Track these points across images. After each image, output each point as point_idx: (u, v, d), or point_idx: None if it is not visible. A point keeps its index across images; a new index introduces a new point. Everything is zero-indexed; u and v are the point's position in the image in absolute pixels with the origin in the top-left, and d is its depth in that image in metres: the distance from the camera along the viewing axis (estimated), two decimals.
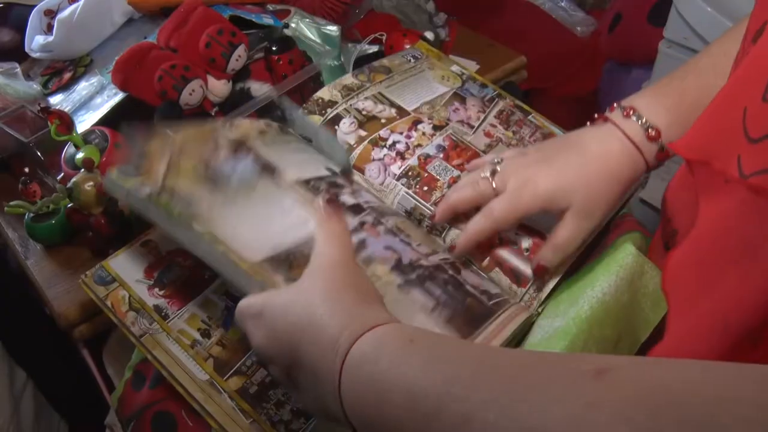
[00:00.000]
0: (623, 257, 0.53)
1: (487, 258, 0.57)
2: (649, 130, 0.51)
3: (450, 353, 0.33)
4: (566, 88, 1.52)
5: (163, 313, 0.55)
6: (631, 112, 0.52)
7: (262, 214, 0.50)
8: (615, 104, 0.54)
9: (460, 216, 0.57)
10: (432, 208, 0.59)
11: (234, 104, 0.76)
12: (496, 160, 0.55)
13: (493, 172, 0.54)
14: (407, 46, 0.84)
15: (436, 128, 0.66)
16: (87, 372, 0.78)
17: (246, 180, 0.52)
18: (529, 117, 0.71)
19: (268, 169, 0.54)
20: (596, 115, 0.55)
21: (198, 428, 0.55)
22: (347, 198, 0.56)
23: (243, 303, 0.43)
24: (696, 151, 0.43)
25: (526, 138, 0.68)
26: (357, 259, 0.48)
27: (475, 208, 0.55)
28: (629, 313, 0.52)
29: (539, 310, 0.55)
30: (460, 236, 0.55)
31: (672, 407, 0.24)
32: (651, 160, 0.52)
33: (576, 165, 0.51)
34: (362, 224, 0.53)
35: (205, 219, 0.48)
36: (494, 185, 0.53)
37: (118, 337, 0.76)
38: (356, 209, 0.55)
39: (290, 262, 0.47)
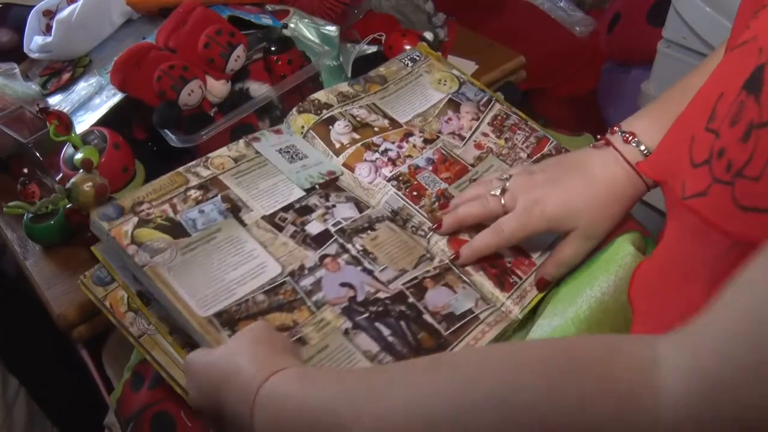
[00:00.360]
0: (622, 257, 0.54)
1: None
2: (648, 156, 0.54)
3: (330, 382, 0.39)
4: (565, 88, 1.52)
5: (145, 300, 0.55)
6: (630, 138, 0.54)
7: (222, 262, 0.53)
8: (616, 128, 0.56)
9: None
10: (420, 212, 0.61)
11: (233, 104, 0.76)
12: (504, 177, 0.57)
13: (503, 191, 0.56)
14: (407, 47, 0.84)
15: (427, 141, 0.68)
16: (85, 373, 0.78)
17: (211, 223, 0.55)
18: (526, 122, 0.71)
19: (234, 209, 0.57)
20: (598, 137, 0.58)
21: (197, 429, 0.56)
22: (314, 226, 0.57)
23: (188, 358, 0.46)
24: (656, 172, 0.48)
25: (519, 145, 0.69)
26: (308, 303, 0.52)
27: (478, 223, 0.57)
28: (628, 314, 0.52)
29: (520, 316, 0.55)
30: (461, 247, 0.57)
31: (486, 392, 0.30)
32: (650, 183, 0.54)
33: (582, 188, 0.54)
34: (323, 259, 0.55)
35: (167, 268, 0.51)
36: (503, 203, 0.55)
37: (118, 338, 0.76)
38: (321, 239, 0.56)
39: (240, 314, 0.50)
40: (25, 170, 0.79)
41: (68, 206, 0.68)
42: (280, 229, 0.56)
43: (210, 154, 0.62)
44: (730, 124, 0.35)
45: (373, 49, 0.92)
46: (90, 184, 0.66)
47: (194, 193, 0.57)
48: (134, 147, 0.76)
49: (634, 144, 0.54)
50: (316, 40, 0.85)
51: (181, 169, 0.60)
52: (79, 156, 0.68)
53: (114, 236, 0.52)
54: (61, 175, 0.73)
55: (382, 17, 1.01)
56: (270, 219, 0.57)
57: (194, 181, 0.58)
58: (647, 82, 1.20)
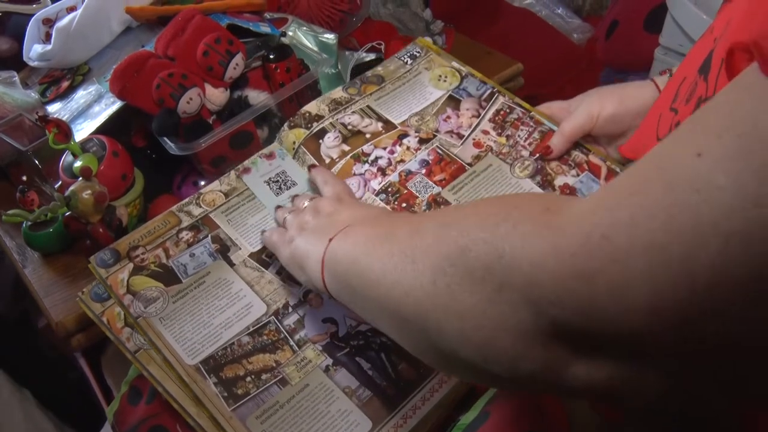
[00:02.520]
0: None
1: None
2: None
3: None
4: (563, 95, 1.52)
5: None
6: (667, 71, 0.61)
7: (210, 306, 0.56)
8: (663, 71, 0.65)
9: None
10: None
11: (231, 112, 0.76)
12: None
13: None
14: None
15: (422, 141, 0.67)
16: (82, 383, 0.78)
17: (201, 267, 0.58)
18: (530, 114, 0.70)
19: (223, 249, 0.60)
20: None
21: None
22: None
23: None
24: (633, 151, 0.55)
25: (521, 142, 0.67)
26: (291, 343, 0.55)
27: None
28: None
29: None
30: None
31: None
32: None
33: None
34: (306, 295, 0.58)
35: (159, 318, 0.55)
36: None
37: (117, 347, 0.76)
38: None
39: (225, 358, 0.53)
40: (24, 178, 0.79)
41: (67, 214, 0.69)
42: (267, 266, 0.59)
43: (202, 190, 0.64)
44: (685, 101, 0.41)
45: (372, 56, 0.93)
46: (89, 191, 0.67)
47: (185, 235, 0.60)
48: (133, 155, 0.76)
49: (668, 74, 0.60)
50: (315, 48, 0.86)
51: (174, 208, 0.62)
52: (78, 164, 0.69)
53: (110, 284, 0.56)
54: (60, 183, 0.73)
55: (380, 25, 1.01)
56: (257, 256, 0.60)
57: (186, 222, 0.61)
58: None
